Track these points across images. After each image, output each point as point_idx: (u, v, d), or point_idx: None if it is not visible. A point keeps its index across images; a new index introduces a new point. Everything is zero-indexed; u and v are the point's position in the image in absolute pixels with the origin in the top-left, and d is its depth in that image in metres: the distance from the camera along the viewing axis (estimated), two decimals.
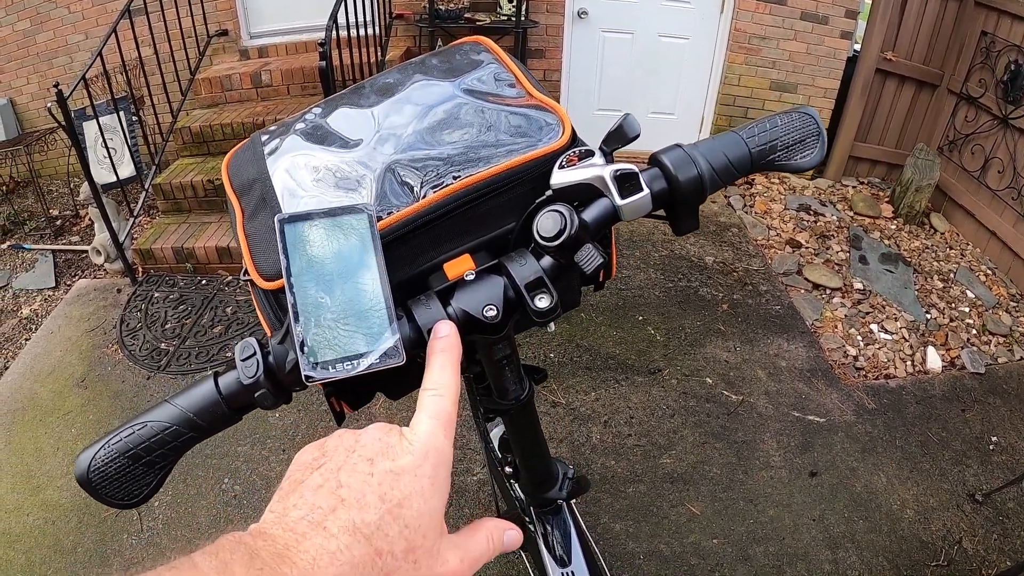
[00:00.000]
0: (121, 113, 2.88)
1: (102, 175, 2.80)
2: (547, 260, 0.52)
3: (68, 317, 2.66)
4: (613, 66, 3.63)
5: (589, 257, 0.50)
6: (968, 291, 2.82)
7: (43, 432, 2.10)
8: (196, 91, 3.33)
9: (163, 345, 2.44)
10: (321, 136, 0.60)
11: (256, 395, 0.46)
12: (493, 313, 0.50)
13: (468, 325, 0.51)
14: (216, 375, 0.48)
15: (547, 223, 0.51)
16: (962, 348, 2.47)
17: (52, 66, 3.89)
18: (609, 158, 0.55)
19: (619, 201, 0.52)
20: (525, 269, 0.51)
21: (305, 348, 0.41)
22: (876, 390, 2.24)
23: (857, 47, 3.51)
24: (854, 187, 3.56)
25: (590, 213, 0.53)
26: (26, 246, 3.30)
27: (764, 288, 2.69)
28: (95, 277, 2.97)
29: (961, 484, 1.93)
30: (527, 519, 1.02)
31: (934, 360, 2.40)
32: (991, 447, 2.07)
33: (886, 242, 3.08)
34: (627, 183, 0.52)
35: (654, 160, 0.55)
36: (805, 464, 1.95)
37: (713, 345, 2.37)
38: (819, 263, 2.86)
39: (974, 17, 3.22)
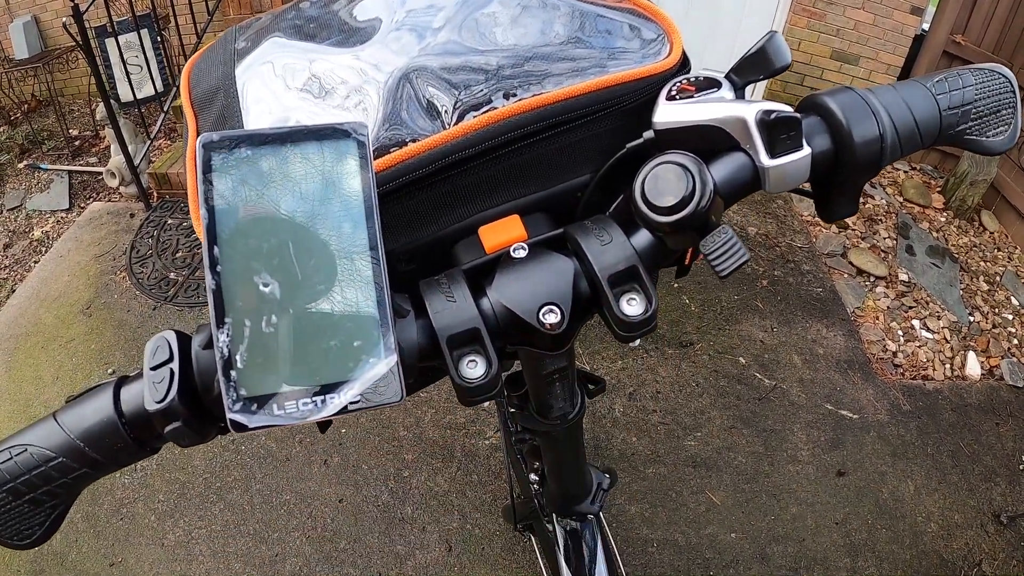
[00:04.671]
0: (144, 32, 2.75)
1: (125, 92, 2.72)
2: (644, 238, 0.34)
3: (79, 241, 2.57)
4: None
5: (728, 248, 0.31)
6: (1013, 298, 2.65)
7: (44, 360, 2.03)
8: (224, 11, 3.12)
9: (172, 275, 2.34)
10: (314, 29, 0.42)
11: (167, 430, 0.29)
12: (555, 319, 0.32)
13: (513, 331, 0.33)
14: (120, 384, 0.32)
15: (664, 183, 0.32)
16: (1002, 358, 2.33)
17: None
18: (741, 93, 0.37)
19: (767, 160, 0.34)
20: (610, 251, 0.33)
21: (233, 372, 0.24)
22: (912, 391, 2.11)
23: (926, 26, 3.27)
24: (906, 172, 3.34)
25: (719, 172, 0.34)
26: (43, 166, 3.20)
27: (806, 268, 2.51)
28: (109, 200, 2.86)
29: (988, 502, 1.82)
30: (547, 523, 0.86)
31: (974, 366, 2.26)
32: (1021, 467, 1.96)
33: (934, 234, 2.90)
34: (781, 134, 0.33)
35: (815, 105, 0.37)
36: (833, 462, 1.83)
37: (749, 323, 2.22)
38: (865, 247, 2.68)
39: None
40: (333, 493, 1.63)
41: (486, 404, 1.82)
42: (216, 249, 0.25)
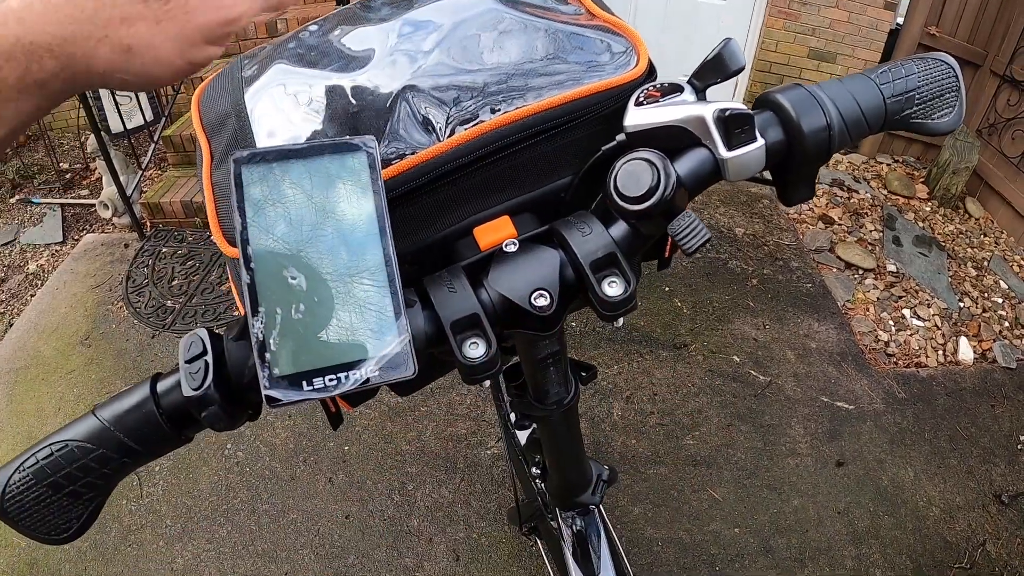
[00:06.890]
0: None
1: (115, 123, 2.77)
2: (621, 228, 0.38)
3: (74, 273, 2.58)
4: (645, 26, 3.45)
5: (691, 229, 0.36)
6: (1002, 281, 2.69)
7: (45, 391, 2.04)
8: None
9: (169, 302, 2.36)
10: (315, 57, 0.46)
11: (203, 414, 0.33)
12: (545, 302, 0.36)
13: (508, 316, 0.37)
14: (155, 379, 0.36)
15: (633, 177, 0.37)
16: (994, 340, 2.36)
17: None
18: (702, 96, 0.42)
19: (725, 153, 0.38)
20: (590, 240, 0.37)
21: (267, 354, 0.28)
22: (907, 379, 2.13)
23: (900, 20, 3.33)
24: (889, 165, 3.40)
25: (684, 166, 0.39)
26: (35, 200, 3.22)
27: (795, 264, 2.55)
28: (103, 232, 2.88)
29: (988, 483, 1.84)
30: (551, 520, 0.89)
31: (966, 351, 2.30)
32: (1019, 447, 1.98)
33: (920, 224, 2.94)
34: (736, 128, 0.38)
35: (767, 102, 0.41)
36: (832, 453, 1.85)
37: (741, 321, 2.25)
38: (852, 241, 2.72)
39: None
40: (339, 510, 1.65)
41: (487, 413, 1.84)
42: (249, 249, 0.29)
